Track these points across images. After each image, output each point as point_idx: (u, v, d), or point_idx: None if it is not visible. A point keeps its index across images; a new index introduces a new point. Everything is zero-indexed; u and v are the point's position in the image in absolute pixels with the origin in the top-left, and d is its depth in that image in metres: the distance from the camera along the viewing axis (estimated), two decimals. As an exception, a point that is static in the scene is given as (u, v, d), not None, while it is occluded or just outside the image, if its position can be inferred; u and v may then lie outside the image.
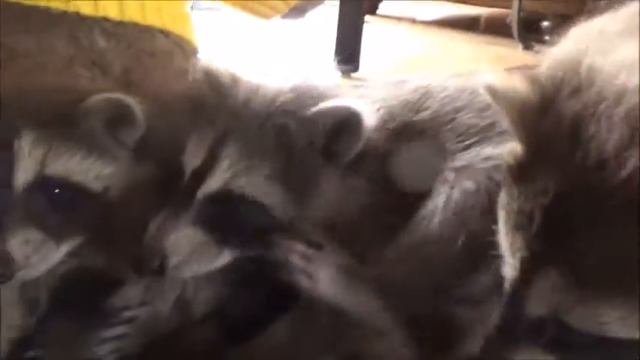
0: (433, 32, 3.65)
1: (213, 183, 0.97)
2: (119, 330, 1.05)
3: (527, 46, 3.03)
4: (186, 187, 0.99)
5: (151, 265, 0.97)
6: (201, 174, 0.98)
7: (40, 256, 0.94)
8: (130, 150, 1.05)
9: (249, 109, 1.00)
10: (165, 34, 1.27)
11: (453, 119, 1.01)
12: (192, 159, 1.00)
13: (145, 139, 1.05)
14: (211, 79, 1.07)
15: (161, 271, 0.98)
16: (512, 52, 2.90)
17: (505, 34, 3.17)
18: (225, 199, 0.97)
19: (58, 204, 0.97)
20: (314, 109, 0.97)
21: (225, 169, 0.97)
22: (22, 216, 0.93)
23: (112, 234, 1.05)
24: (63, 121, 0.98)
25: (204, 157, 0.98)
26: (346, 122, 0.95)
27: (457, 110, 1.01)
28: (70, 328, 1.04)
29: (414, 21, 3.99)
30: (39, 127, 0.96)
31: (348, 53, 2.36)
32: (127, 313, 1.07)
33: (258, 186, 0.96)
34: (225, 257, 1.01)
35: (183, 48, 1.33)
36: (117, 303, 1.08)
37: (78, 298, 1.05)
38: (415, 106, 1.04)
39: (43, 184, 0.95)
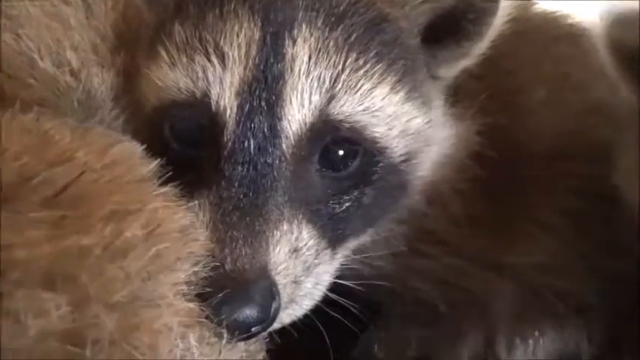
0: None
1: None
2: None
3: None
4: None
5: None
6: None
7: (313, 279, 0.48)
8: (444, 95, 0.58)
9: None
10: None
11: None
12: None
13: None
14: None
15: None
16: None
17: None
18: None
19: (341, 180, 0.50)
20: None
21: None
22: (289, 196, 0.47)
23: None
24: (362, 22, 0.51)
25: None
26: None
27: None
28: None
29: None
30: (321, 27, 0.49)
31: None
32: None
33: None
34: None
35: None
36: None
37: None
38: None
39: (323, 133, 0.49)
